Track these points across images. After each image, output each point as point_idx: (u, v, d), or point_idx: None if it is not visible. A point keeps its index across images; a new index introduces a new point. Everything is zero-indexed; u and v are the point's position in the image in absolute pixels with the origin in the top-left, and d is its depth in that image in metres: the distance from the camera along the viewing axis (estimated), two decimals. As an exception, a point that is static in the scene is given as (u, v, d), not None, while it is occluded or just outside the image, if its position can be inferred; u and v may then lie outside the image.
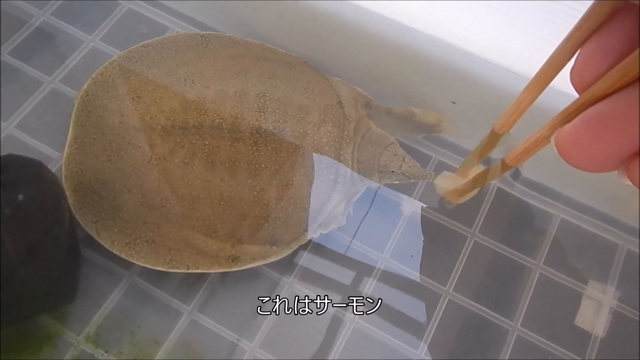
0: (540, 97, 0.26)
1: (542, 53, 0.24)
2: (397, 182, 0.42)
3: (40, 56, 0.48)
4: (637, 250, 0.43)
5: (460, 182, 0.39)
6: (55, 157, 0.44)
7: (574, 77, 0.19)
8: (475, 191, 0.40)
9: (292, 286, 0.41)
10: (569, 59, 0.22)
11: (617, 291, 0.41)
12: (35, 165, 0.35)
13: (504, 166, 0.29)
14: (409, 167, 0.41)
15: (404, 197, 0.44)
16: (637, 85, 0.16)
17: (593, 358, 0.39)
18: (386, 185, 0.43)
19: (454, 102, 0.45)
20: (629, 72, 0.16)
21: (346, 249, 0.42)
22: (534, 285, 0.41)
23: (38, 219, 0.33)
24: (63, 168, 0.40)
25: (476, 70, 0.42)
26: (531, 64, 0.27)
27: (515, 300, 0.41)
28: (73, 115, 0.42)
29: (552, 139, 0.19)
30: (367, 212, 0.43)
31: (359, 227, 0.43)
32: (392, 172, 0.41)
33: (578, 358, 0.39)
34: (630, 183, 0.17)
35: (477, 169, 0.39)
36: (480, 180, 0.36)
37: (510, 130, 0.31)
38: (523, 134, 0.26)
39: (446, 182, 0.41)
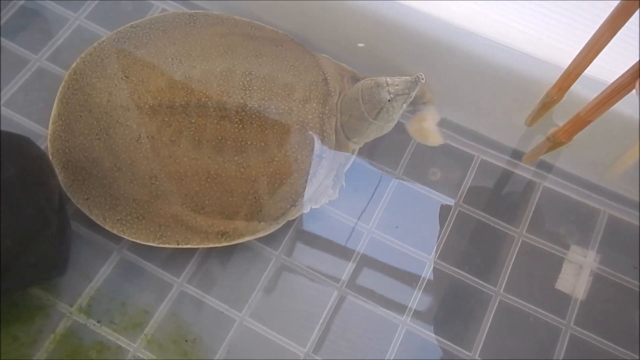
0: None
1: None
2: (405, 106, 0.39)
3: (26, 34, 0.48)
4: (620, 216, 0.43)
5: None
6: (44, 134, 0.44)
7: None
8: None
9: (280, 259, 0.41)
10: (631, 15, 0.21)
11: (597, 254, 0.42)
12: (22, 141, 0.35)
13: (581, 121, 0.28)
14: (397, 85, 0.39)
15: (389, 169, 0.45)
16: None
17: (573, 319, 0.40)
18: (371, 158, 0.43)
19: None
20: None
21: (333, 221, 0.43)
22: (516, 252, 0.42)
23: (24, 194, 0.33)
24: (49, 145, 0.41)
25: (463, 44, 0.42)
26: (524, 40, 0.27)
27: (498, 267, 0.41)
28: (58, 93, 0.43)
29: (638, 82, 0.18)
30: (352, 185, 0.44)
31: (344, 200, 0.43)
32: (389, 100, 0.39)
33: (559, 319, 0.40)
34: None
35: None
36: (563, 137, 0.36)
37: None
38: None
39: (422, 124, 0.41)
